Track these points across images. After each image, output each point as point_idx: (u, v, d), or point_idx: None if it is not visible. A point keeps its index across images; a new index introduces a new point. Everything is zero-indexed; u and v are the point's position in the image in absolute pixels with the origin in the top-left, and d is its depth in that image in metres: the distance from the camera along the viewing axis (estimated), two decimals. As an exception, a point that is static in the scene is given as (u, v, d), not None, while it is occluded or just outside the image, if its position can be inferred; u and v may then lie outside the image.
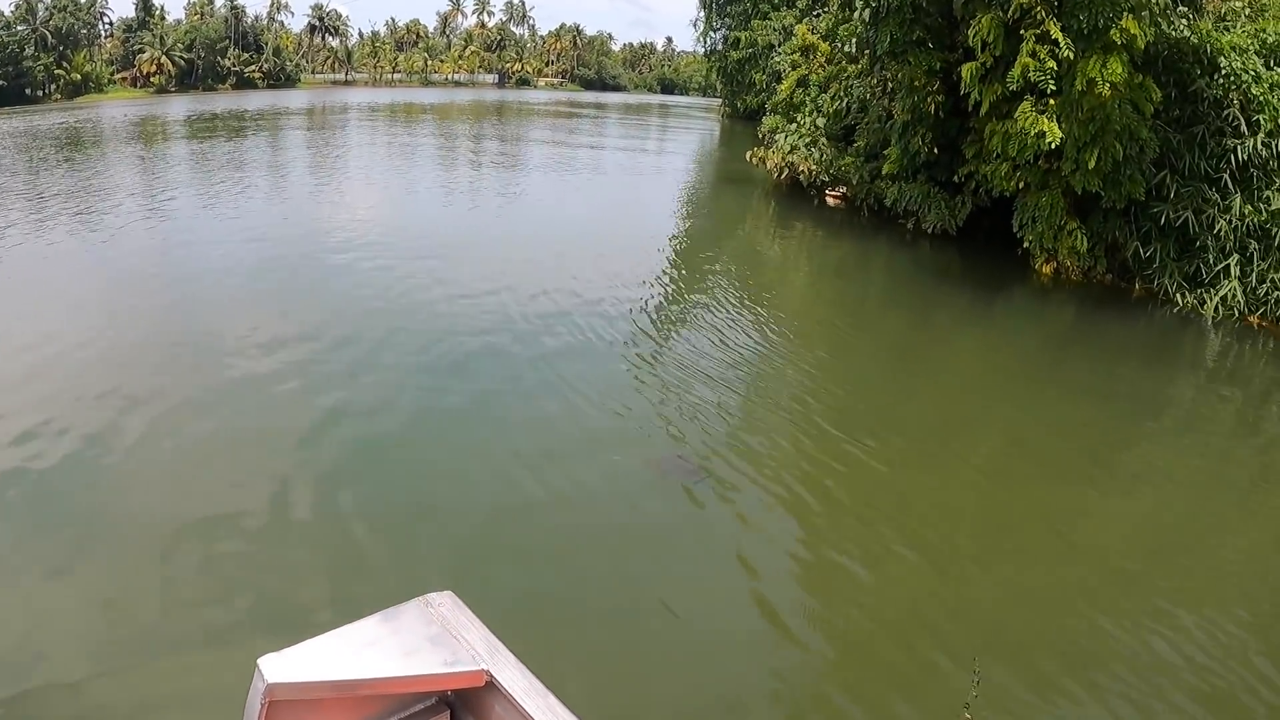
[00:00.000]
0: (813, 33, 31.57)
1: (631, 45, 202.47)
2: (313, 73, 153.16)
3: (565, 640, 7.13)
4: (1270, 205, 19.33)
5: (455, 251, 21.45)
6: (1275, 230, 19.23)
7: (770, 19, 51.63)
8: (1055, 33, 18.72)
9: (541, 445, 10.94)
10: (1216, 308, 19.48)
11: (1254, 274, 19.43)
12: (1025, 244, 21.44)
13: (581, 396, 12.50)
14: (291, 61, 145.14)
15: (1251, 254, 19.54)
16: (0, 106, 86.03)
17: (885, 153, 25.12)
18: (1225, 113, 20.18)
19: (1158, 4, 18.81)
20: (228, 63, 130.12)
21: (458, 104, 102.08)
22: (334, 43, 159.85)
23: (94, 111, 79.61)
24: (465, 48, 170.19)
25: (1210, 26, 21.13)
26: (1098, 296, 20.70)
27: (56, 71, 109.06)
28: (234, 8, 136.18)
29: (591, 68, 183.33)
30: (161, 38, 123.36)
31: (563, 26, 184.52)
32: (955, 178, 23.59)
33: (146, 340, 14.24)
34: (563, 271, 19.47)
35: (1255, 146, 19.60)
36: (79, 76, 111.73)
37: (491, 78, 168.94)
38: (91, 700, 6.41)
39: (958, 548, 9.38)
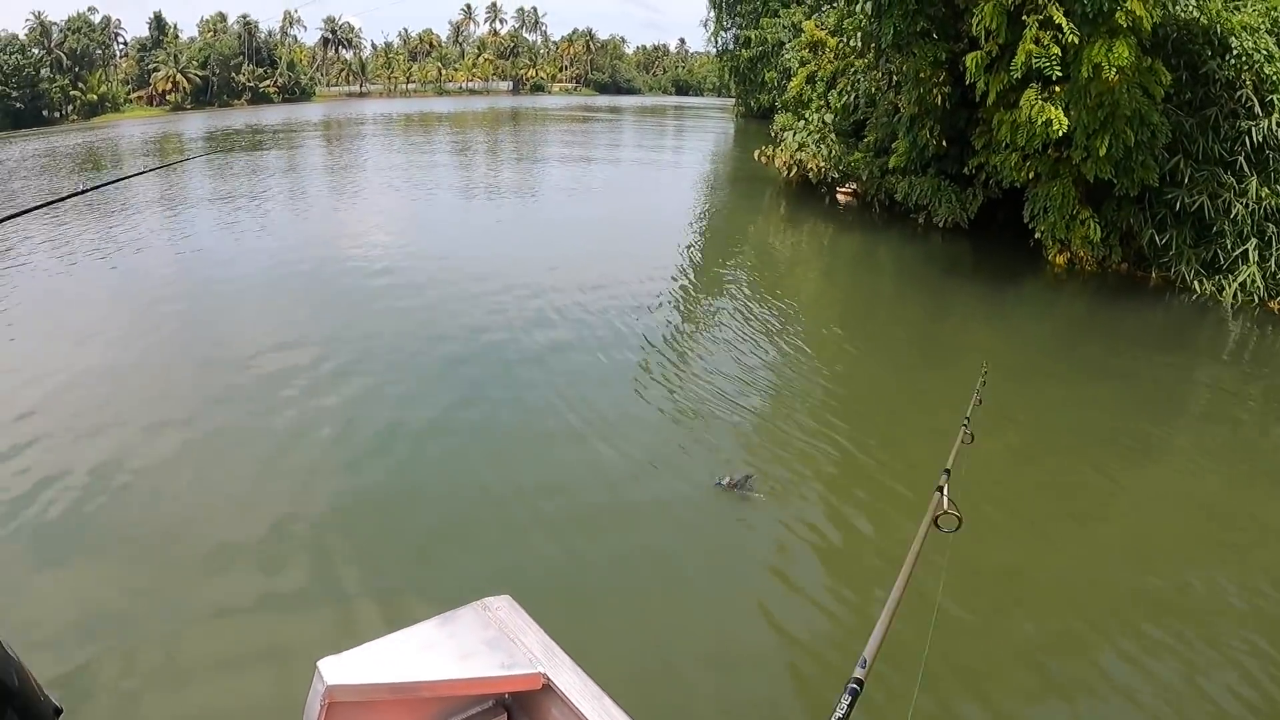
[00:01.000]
0: (820, 28, 31.25)
1: (644, 48, 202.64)
2: (327, 85, 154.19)
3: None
4: (1288, 188, 18.89)
5: (480, 263, 21.36)
6: (1294, 214, 18.80)
7: (780, 16, 51.29)
8: (1058, 17, 18.34)
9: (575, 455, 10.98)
10: (1235, 294, 19.04)
11: (1273, 259, 18.97)
12: (1038, 235, 21.02)
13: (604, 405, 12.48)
14: (306, 75, 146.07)
15: (1270, 238, 19.08)
16: (18, 129, 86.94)
17: (893, 146, 24.77)
18: (1238, 94, 19.68)
19: (1164, -15, 18.41)
20: (242, 78, 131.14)
21: (473, 112, 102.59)
22: (347, 55, 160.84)
23: (111, 131, 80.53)
24: (479, 56, 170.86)
25: (1220, 6, 20.64)
26: (1113, 286, 20.33)
27: (72, 93, 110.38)
28: (247, 23, 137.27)
29: (605, 72, 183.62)
30: (176, 55, 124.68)
31: (575, 31, 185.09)
32: (965, 170, 23.23)
33: (173, 356, 14.66)
34: (587, 279, 19.45)
35: (1270, 127, 19.11)
36: (95, 97, 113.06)
37: (506, 85, 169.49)
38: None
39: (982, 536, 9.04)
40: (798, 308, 18.45)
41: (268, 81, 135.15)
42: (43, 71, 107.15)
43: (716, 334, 16.23)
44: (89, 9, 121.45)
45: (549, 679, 2.83)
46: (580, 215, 29.31)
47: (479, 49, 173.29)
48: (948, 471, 4.33)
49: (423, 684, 2.81)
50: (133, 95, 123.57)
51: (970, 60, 20.18)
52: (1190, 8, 20.50)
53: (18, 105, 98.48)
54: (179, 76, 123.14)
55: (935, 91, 22.48)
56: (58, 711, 2.41)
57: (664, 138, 69.81)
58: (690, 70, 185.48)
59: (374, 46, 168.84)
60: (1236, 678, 7.05)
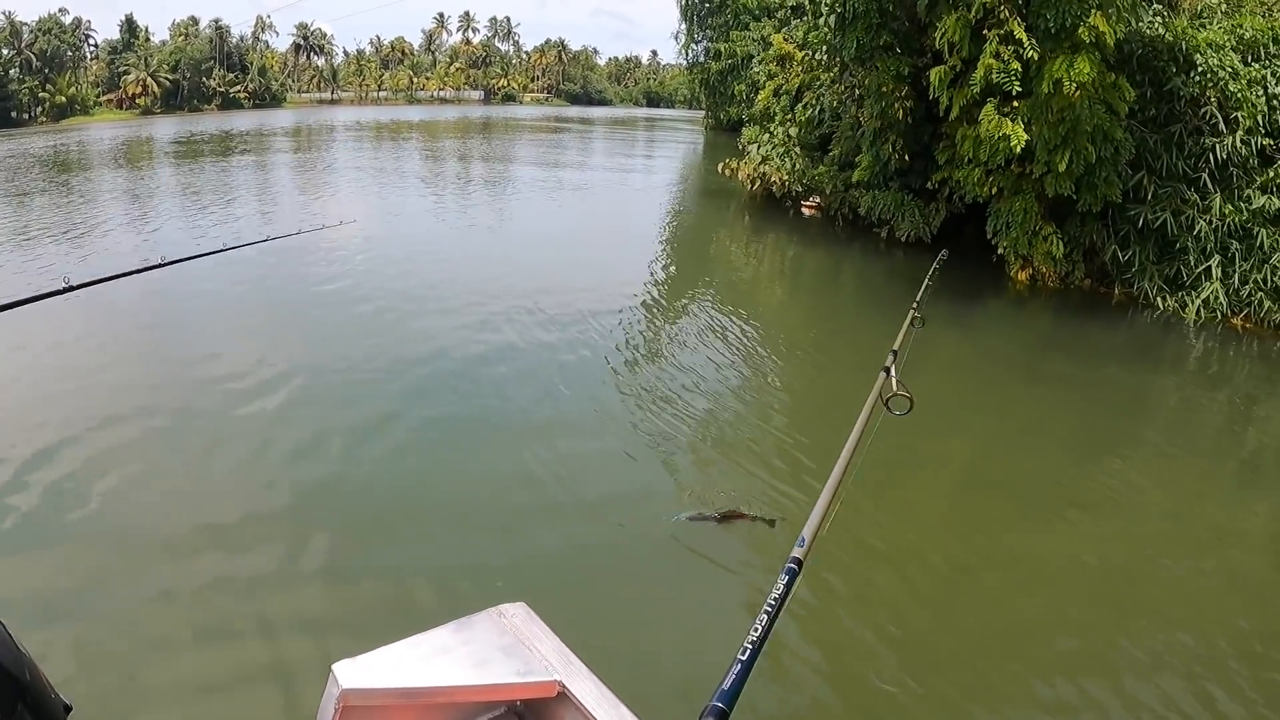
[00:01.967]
0: (789, 41, 31.12)
1: (616, 59, 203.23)
2: (298, 92, 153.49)
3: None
4: (1251, 204, 18.80)
5: (445, 280, 20.72)
6: (1257, 230, 18.70)
7: (750, 29, 51.34)
8: (1019, 32, 18.19)
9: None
10: (1199, 310, 18.99)
11: (1236, 275, 18.91)
12: (1000, 250, 20.85)
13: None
14: (277, 81, 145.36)
15: (1233, 254, 19.03)
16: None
17: (857, 160, 24.60)
18: (1202, 110, 19.60)
19: (1125, 1, 18.28)
20: (213, 83, 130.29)
21: (444, 121, 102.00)
22: (319, 62, 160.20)
23: (80, 134, 79.63)
24: (451, 65, 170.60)
25: (1186, 23, 20.63)
26: (1076, 302, 20.19)
27: (41, 94, 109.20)
28: (219, 28, 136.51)
29: (577, 83, 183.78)
30: (146, 59, 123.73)
31: (548, 42, 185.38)
32: (929, 184, 23.04)
33: (131, 371, 14.22)
34: (554, 294, 19.05)
35: (1234, 144, 19.03)
36: (64, 99, 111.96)
37: (477, 94, 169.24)
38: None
39: (931, 562, 9.05)
40: (759, 327, 18.05)
41: (239, 87, 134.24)
42: (11, 72, 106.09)
43: (679, 356, 15.73)
44: (60, 10, 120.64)
45: (565, 687, 2.74)
46: (549, 231, 28.84)
47: (451, 58, 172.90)
48: (895, 353, 4.38)
49: (437, 689, 2.72)
50: (102, 98, 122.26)
51: (934, 75, 20.02)
52: (1156, 24, 20.51)
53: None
54: (149, 80, 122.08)
55: (898, 106, 22.25)
56: (67, 709, 2.38)
57: (634, 150, 69.64)
58: (662, 82, 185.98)
59: (346, 54, 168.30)
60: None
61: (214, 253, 7.33)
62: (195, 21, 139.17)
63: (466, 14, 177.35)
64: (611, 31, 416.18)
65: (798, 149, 28.48)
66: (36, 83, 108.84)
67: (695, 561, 8.66)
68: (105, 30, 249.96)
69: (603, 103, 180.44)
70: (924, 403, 12.43)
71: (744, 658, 1.27)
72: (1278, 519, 10.98)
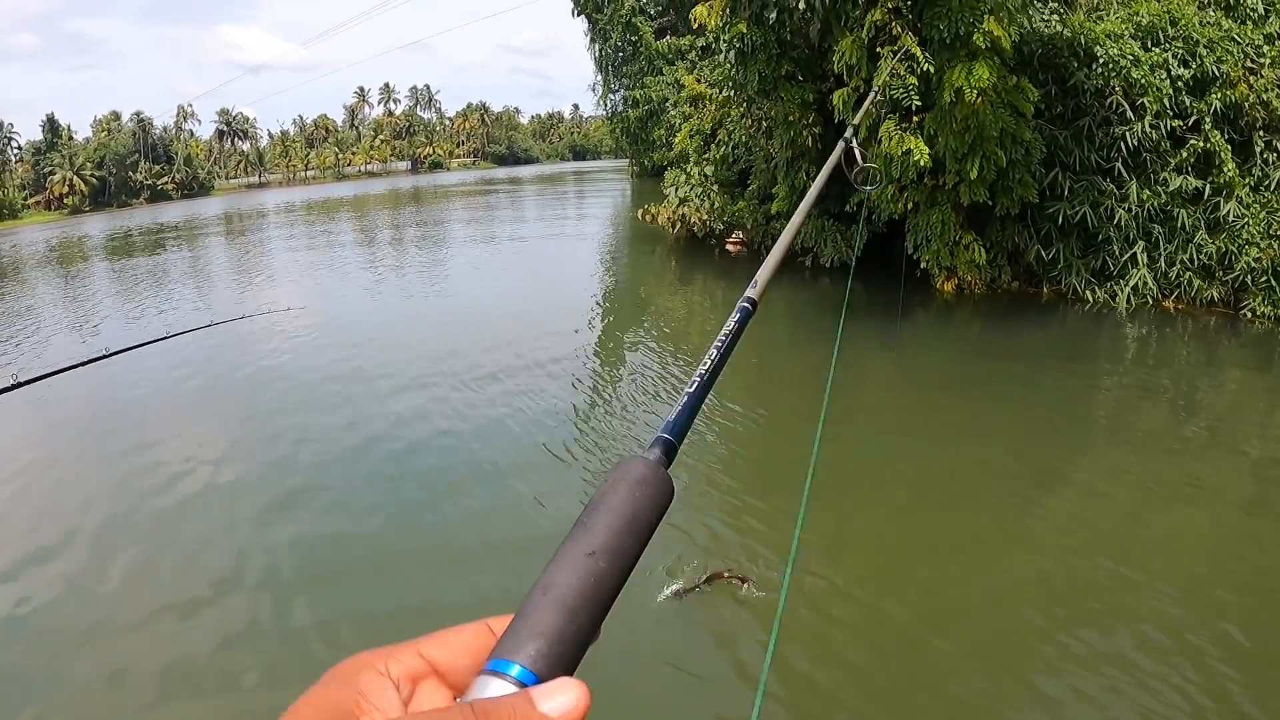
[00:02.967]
0: (701, 82, 31.09)
1: (539, 116, 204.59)
2: (225, 178, 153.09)
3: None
4: (1169, 186, 18.87)
5: (385, 348, 20.56)
6: (1176, 210, 18.80)
7: (664, 74, 51.47)
8: (912, 47, 18.04)
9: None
10: (1129, 298, 19.07)
11: (1162, 258, 19.02)
12: (923, 264, 20.65)
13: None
14: (204, 169, 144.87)
15: (1156, 239, 19.14)
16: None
17: (774, 191, 24.38)
18: (1109, 101, 19.63)
19: (1014, 2, 18.23)
20: (139, 177, 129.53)
21: (374, 194, 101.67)
22: (244, 146, 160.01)
23: (12, 237, 79.33)
24: (375, 138, 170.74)
25: (1082, 17, 20.68)
26: (1006, 306, 20.07)
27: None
28: (141, 120, 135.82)
29: (502, 144, 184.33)
30: (70, 157, 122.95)
31: (469, 106, 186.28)
32: (847, 207, 22.82)
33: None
34: (494, 353, 19.03)
35: (1144, 130, 19.08)
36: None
37: (404, 165, 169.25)
38: None
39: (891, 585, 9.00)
40: (692, 370, 17.75)
41: (165, 178, 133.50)
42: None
43: (616, 409, 15.59)
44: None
45: None
46: (487, 292, 28.39)
47: (375, 130, 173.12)
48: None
49: None
50: (29, 200, 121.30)
51: (837, 98, 19.78)
52: (1053, 22, 20.50)
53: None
54: (75, 179, 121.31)
55: (806, 133, 22.05)
56: None
57: (565, 206, 69.44)
58: (585, 135, 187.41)
59: (270, 135, 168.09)
60: None
61: (159, 340, 7.23)
62: (117, 116, 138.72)
63: (387, 85, 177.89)
64: (531, 90, 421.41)
65: (715, 187, 28.26)
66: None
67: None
68: (28, 132, 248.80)
69: (529, 161, 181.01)
70: (861, 426, 12.37)
71: (692, 390, 1.05)
72: (1235, 496, 10.75)
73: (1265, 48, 18.94)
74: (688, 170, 29.50)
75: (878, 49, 18.68)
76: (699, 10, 23.07)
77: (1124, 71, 19.29)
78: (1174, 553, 9.29)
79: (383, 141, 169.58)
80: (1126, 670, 7.20)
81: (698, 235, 29.36)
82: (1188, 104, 19.04)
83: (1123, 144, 19.37)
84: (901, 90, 18.23)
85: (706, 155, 29.09)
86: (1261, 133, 18.71)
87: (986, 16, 17.69)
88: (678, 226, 29.68)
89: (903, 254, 20.63)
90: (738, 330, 1.74)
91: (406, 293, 29.17)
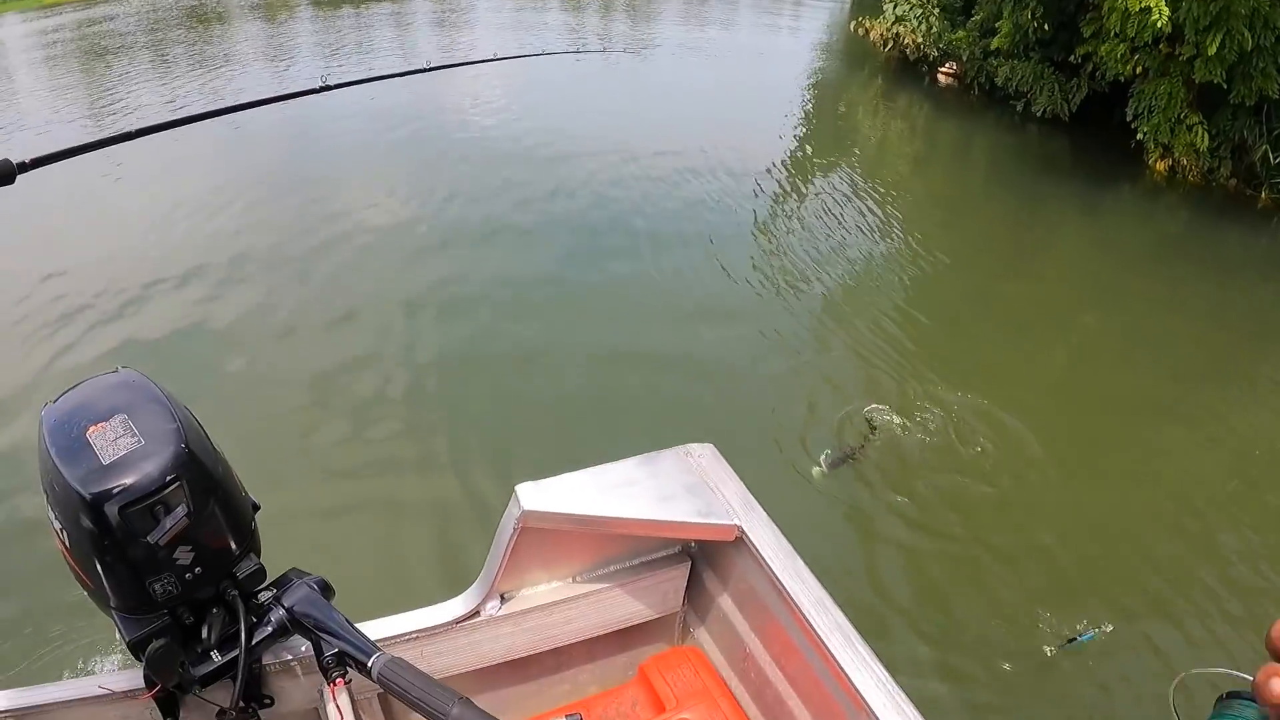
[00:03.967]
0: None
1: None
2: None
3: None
4: None
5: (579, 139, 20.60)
6: None
7: None
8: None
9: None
10: (1359, 223, 17.32)
11: None
12: (1140, 136, 19.15)
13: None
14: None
15: None
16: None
17: (997, 26, 22.81)
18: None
19: None
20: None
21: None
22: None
23: None
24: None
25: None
26: (1217, 203, 18.44)
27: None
28: None
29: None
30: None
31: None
32: (1071, 58, 21.08)
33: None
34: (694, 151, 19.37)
35: None
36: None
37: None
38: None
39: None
40: (880, 203, 17.41)
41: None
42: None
43: (799, 232, 15.74)
44: None
45: (744, 532, 2.83)
46: (692, 87, 27.85)
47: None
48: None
49: (615, 520, 2.83)
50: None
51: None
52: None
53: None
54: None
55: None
56: (256, 508, 2.50)
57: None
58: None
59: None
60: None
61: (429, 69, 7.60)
62: None
63: None
64: None
65: (936, 10, 26.59)
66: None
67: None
68: None
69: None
70: (1037, 291, 12.10)
71: None
72: None
73: None
74: (913, -14, 27.76)
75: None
76: None
77: None
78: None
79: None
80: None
81: (909, 59, 27.77)
82: None
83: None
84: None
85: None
86: None
87: None
88: (890, 45, 28.13)
89: (1120, 120, 19.28)
90: None
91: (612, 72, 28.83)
